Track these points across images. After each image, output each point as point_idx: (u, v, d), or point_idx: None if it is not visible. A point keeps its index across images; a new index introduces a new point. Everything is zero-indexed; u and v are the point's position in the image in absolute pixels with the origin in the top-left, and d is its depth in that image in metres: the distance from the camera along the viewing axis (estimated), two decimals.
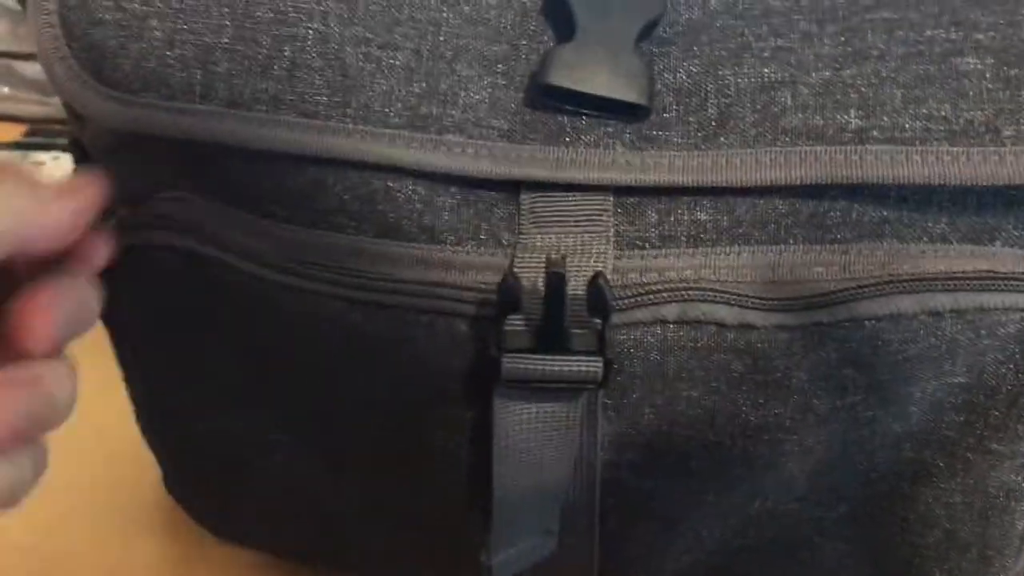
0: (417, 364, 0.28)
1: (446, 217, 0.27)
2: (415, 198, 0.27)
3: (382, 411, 0.30)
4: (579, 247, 0.27)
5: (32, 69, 0.62)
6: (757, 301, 0.26)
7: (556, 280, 0.24)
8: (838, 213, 0.27)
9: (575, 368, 0.26)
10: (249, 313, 0.29)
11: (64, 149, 0.64)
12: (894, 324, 0.27)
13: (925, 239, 0.27)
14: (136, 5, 0.27)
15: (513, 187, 0.27)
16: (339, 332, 0.28)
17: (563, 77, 0.26)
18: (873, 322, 0.27)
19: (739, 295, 0.26)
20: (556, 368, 0.26)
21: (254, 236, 0.28)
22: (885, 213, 0.27)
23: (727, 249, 0.27)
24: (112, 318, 0.31)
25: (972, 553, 0.33)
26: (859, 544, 0.33)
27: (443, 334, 0.27)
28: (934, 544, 0.33)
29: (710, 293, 0.26)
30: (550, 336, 0.25)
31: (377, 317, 0.27)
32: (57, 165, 0.63)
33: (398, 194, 0.27)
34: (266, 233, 0.28)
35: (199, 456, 0.35)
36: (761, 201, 0.27)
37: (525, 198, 0.27)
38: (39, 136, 0.64)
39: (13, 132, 0.63)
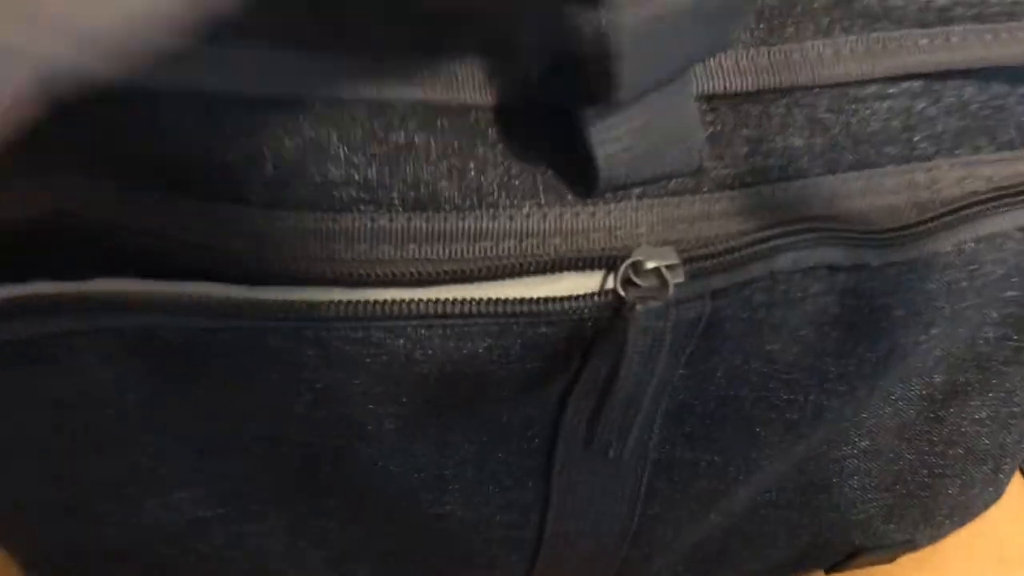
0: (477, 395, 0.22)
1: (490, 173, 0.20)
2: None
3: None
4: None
5: None
6: (869, 237, 0.23)
7: None
8: (926, 124, 0.23)
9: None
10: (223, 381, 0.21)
11: None
12: (991, 245, 0.24)
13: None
14: None
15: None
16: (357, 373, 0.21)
17: None
18: (973, 244, 0.24)
19: (851, 232, 0.22)
20: None
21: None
22: (965, 123, 0.24)
23: (830, 179, 0.22)
24: None
25: (988, 464, 0.32)
26: (875, 477, 0.31)
27: (516, 342, 0.21)
28: (953, 461, 0.31)
29: (824, 235, 0.22)
30: None
31: (432, 340, 0.21)
32: None
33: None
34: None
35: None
36: (854, 120, 0.23)
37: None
38: None
39: None
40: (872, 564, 0.36)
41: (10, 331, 0.19)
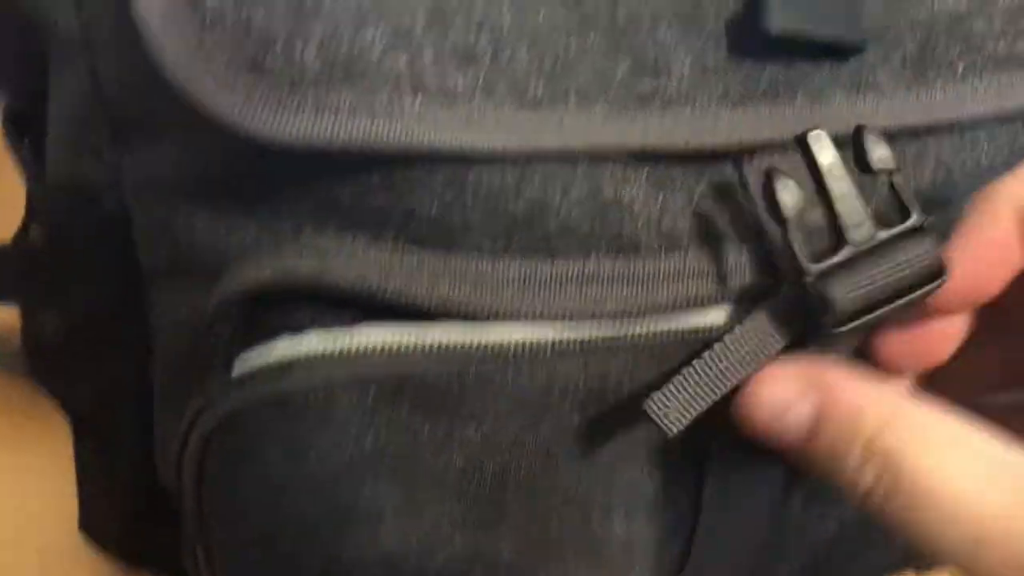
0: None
1: (682, 221, 0.24)
2: (651, 201, 0.23)
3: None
4: None
5: None
6: None
7: None
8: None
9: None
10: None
11: None
12: None
13: None
14: None
15: (733, 167, 0.24)
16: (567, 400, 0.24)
17: (792, 20, 0.24)
18: None
19: None
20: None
21: (454, 282, 0.22)
22: None
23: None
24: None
25: None
26: None
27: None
28: None
29: None
30: None
31: (627, 360, 0.23)
32: None
33: (633, 201, 0.23)
34: (467, 278, 0.22)
35: None
36: (970, 158, 0.26)
37: (752, 180, 0.24)
38: None
39: None
40: None
41: (288, 383, 0.22)
